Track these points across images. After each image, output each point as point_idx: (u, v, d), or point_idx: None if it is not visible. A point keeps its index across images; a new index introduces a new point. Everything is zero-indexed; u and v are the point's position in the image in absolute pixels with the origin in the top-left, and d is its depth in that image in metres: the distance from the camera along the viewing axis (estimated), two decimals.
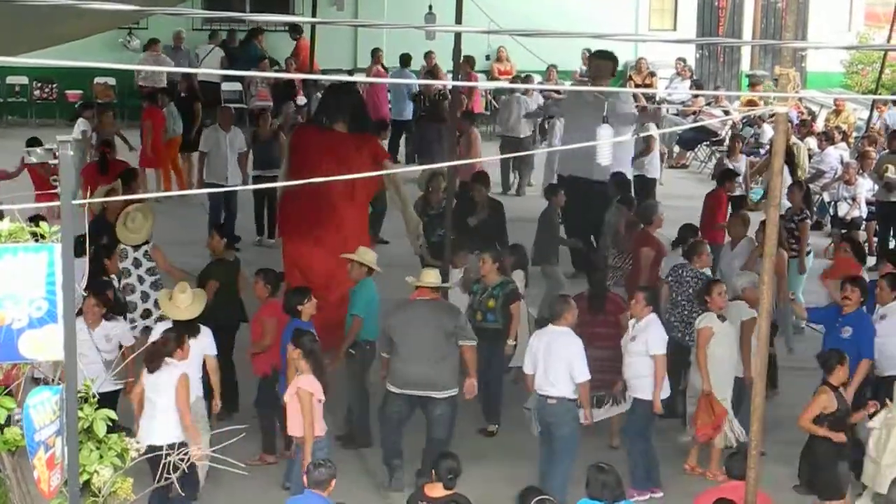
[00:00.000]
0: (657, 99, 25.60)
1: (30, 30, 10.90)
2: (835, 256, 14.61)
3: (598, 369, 11.32)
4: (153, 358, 9.92)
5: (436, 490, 8.93)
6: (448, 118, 16.58)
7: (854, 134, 22.76)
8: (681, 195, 20.21)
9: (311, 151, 13.78)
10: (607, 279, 13.43)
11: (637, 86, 25.34)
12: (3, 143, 18.23)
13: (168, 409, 9.90)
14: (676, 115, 24.89)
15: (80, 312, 10.20)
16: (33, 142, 16.89)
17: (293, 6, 26.75)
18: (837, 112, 23.46)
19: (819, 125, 23.51)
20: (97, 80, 24.84)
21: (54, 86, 25.66)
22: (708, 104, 24.75)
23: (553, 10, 25.87)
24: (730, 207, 16.51)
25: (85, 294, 8.97)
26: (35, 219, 5.88)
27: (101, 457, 5.91)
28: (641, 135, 18.43)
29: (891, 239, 18.09)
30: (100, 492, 5.88)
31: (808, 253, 15.76)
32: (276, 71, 24.21)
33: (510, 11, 23.11)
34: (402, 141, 23.57)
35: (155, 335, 10.78)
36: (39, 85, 25.70)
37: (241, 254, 14.59)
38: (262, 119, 19.00)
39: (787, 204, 15.33)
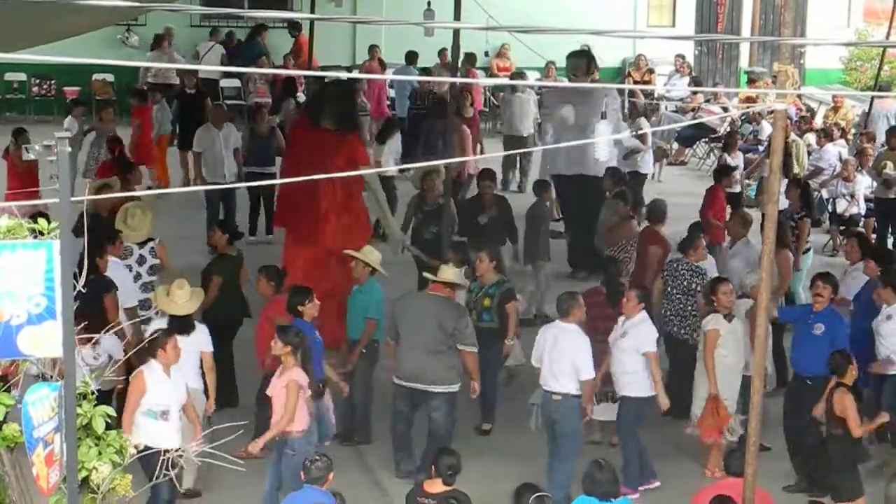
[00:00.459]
0: (656, 95, 25.63)
1: (28, 26, 10.89)
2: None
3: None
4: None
5: (435, 486, 8.95)
6: (449, 115, 16.65)
7: (852, 131, 22.76)
8: (680, 192, 20.21)
9: (300, 146, 14.29)
10: (619, 273, 13.31)
11: (636, 82, 25.35)
12: (1, 139, 18.24)
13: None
14: (675, 111, 24.90)
15: None
16: (19, 132, 16.98)
17: (291, 2, 26.72)
18: (836, 109, 23.45)
19: (818, 122, 23.50)
20: (95, 76, 24.82)
21: (52, 82, 25.61)
22: (707, 101, 24.75)
23: (552, 7, 25.86)
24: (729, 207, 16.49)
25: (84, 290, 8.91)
26: (35, 216, 5.88)
27: (100, 453, 5.91)
28: (638, 132, 18.46)
29: (889, 236, 18.09)
30: (98, 488, 5.88)
31: (808, 250, 15.76)
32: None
33: (509, 8, 23.12)
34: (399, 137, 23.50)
35: (152, 330, 10.74)
36: (38, 81, 25.66)
37: None
38: (258, 116, 18.98)
39: (786, 202, 15.32)
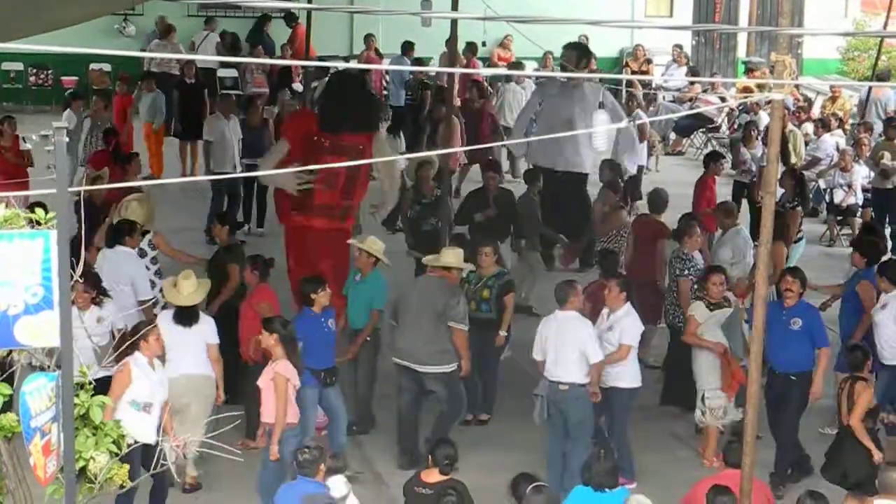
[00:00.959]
0: (654, 85, 25.61)
1: (25, 15, 10.88)
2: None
3: None
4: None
5: (432, 476, 8.95)
6: (439, 106, 16.63)
7: (850, 121, 22.76)
8: (677, 181, 20.20)
9: (322, 154, 13.22)
10: (618, 264, 13.26)
11: (633, 73, 25.33)
12: None
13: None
14: (673, 101, 24.89)
15: None
16: (5, 119, 17.00)
17: None
18: (833, 99, 23.45)
19: (815, 112, 23.50)
20: (92, 66, 24.78)
21: (50, 72, 25.62)
22: (704, 91, 24.73)
23: None
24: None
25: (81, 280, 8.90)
26: (32, 206, 5.87)
27: (97, 443, 5.90)
28: (637, 122, 18.44)
29: (886, 226, 18.09)
30: (96, 478, 5.88)
31: (800, 240, 15.73)
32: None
33: None
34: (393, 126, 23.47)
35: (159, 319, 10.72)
36: (35, 71, 25.66)
37: None
38: (251, 107, 18.92)
39: (781, 191, 15.30)
